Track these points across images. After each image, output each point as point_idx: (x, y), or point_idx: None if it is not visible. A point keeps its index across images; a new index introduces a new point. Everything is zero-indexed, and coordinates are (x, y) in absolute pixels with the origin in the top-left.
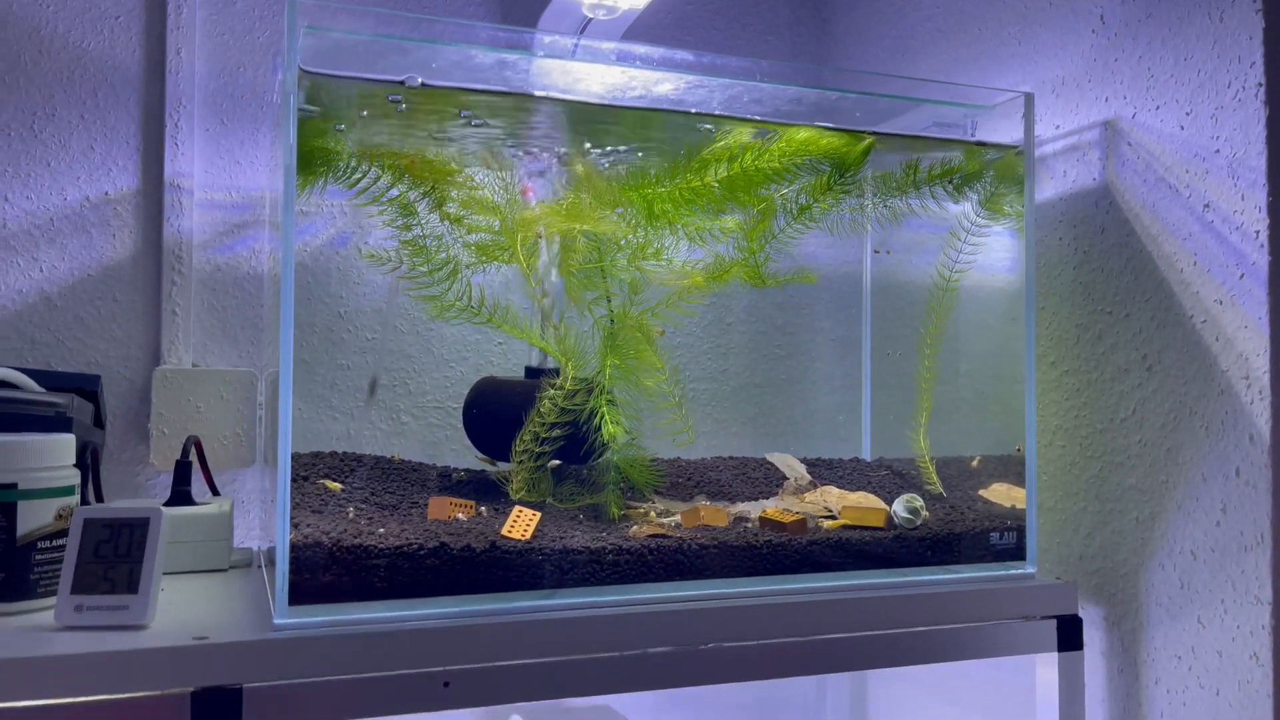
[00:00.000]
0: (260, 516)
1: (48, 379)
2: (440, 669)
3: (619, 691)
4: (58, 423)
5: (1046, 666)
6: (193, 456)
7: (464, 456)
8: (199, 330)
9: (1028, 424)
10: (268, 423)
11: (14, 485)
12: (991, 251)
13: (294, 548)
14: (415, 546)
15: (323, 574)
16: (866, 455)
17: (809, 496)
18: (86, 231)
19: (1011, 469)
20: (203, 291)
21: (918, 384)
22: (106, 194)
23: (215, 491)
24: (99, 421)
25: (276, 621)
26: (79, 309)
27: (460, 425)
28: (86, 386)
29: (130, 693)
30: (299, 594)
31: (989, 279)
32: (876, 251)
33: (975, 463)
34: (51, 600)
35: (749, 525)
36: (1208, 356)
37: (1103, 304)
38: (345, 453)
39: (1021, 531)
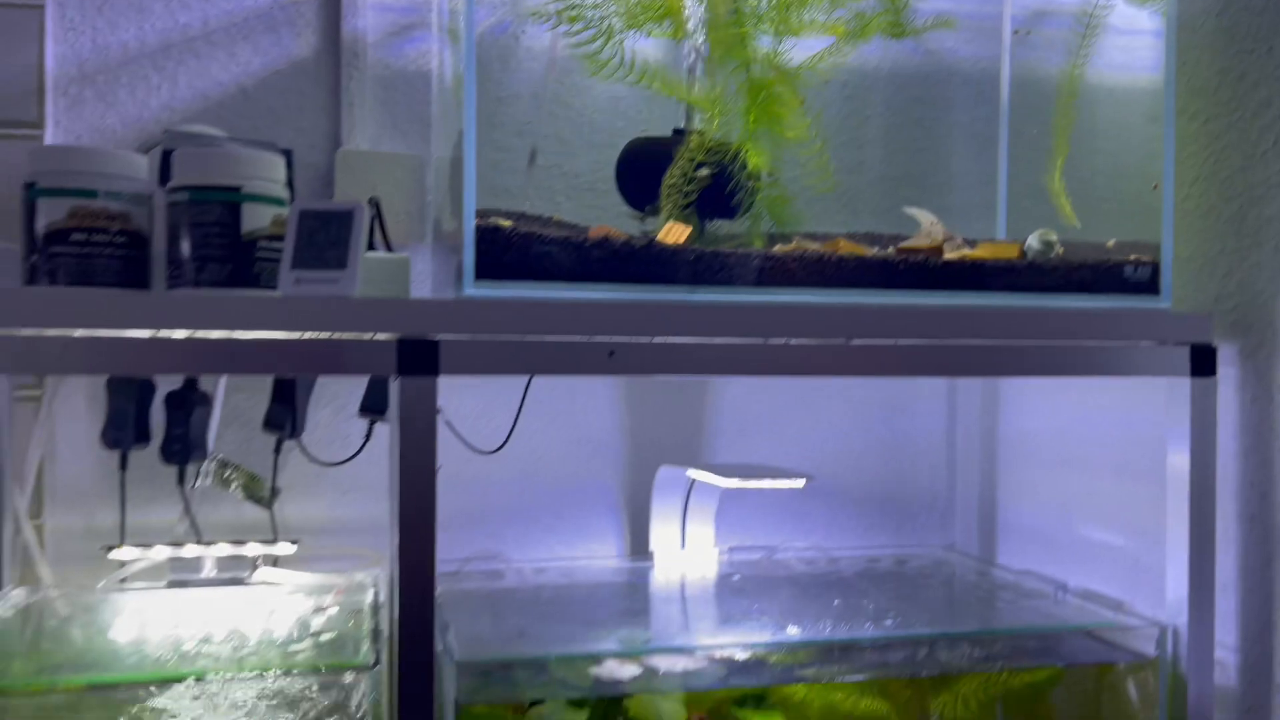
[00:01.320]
0: (431, 291)
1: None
2: (606, 339)
3: (761, 374)
4: None
5: (1177, 407)
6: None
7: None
8: (373, 123)
9: (1165, 155)
10: (446, 189)
11: (239, 188)
12: (1130, 18)
13: (479, 230)
14: (582, 238)
15: (504, 254)
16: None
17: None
18: (276, 30)
19: (1145, 251)
20: (376, 87)
21: (1054, 130)
22: None
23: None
24: (292, 190)
25: (466, 292)
26: (270, 100)
27: (613, 206)
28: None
29: (348, 332)
30: (484, 269)
31: (1127, 42)
32: (1016, 32)
33: (1110, 245)
34: (272, 293)
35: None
36: None
37: (1245, 44)
38: (509, 210)
39: (1156, 267)
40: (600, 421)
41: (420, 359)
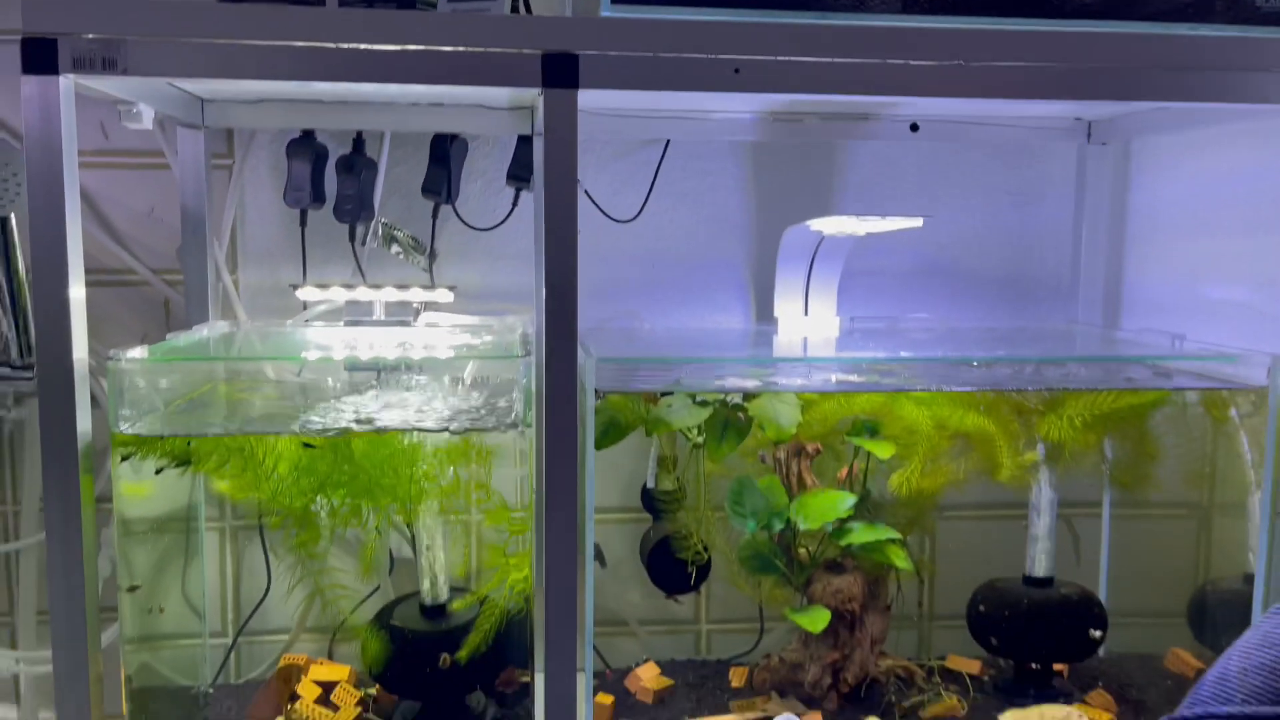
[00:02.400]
0: None
1: None
2: (731, 57)
3: (880, 94)
4: None
5: None
6: None
7: None
8: None
9: None
10: None
11: None
12: None
13: None
14: None
15: None
16: None
17: None
18: None
19: None
20: None
21: None
22: None
23: None
24: None
25: (603, 14)
26: None
27: None
28: None
29: (496, 48)
30: None
31: None
32: None
33: None
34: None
35: None
36: None
37: None
38: None
39: None
40: (728, 201)
41: (562, 71)
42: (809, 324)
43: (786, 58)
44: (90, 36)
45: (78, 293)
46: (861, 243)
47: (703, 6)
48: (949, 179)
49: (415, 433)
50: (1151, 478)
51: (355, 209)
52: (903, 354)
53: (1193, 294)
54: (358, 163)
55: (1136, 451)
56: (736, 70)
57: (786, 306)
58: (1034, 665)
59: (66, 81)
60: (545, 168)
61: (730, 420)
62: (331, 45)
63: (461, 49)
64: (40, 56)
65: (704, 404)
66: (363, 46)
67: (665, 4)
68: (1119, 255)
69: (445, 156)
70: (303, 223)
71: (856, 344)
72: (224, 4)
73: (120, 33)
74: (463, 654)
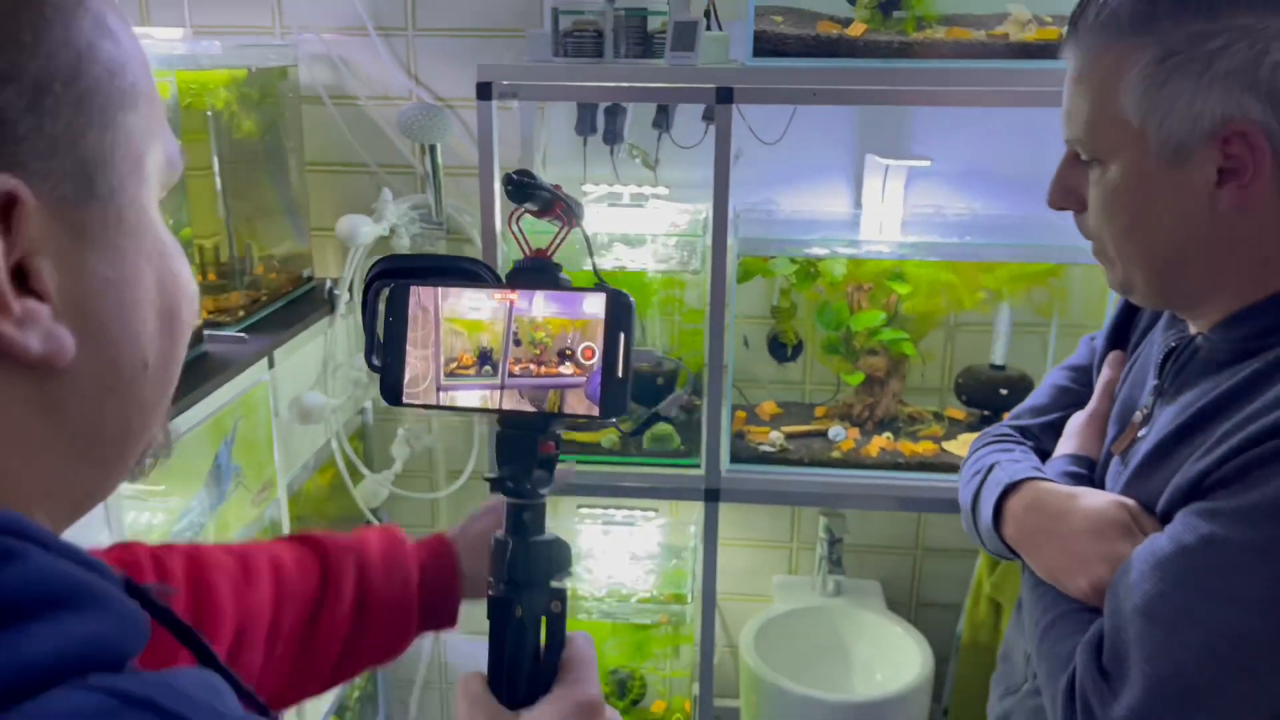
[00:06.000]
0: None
1: None
2: (808, 86)
3: (908, 103)
4: None
5: None
6: None
7: None
8: None
9: None
10: None
11: (645, 9)
12: None
13: (757, 34)
14: (812, 33)
15: (769, 44)
16: None
17: None
18: None
19: None
20: None
21: None
22: None
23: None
24: None
25: (748, 64)
26: None
27: None
28: None
29: (693, 84)
30: (759, 50)
31: None
32: None
33: None
34: (661, 62)
35: None
36: None
37: None
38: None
39: None
40: (842, 129)
41: (725, 96)
42: (884, 208)
43: (844, 86)
44: (505, 82)
45: (497, 185)
46: (926, 152)
47: (794, 57)
48: (990, 114)
49: (646, 271)
50: (1064, 310)
51: (614, 135)
52: (911, 239)
53: None
54: (615, 109)
55: (1054, 294)
56: (814, 93)
57: (870, 196)
58: (988, 413)
59: (493, 104)
60: (715, 156)
61: (808, 271)
62: (610, 84)
63: (675, 85)
64: (484, 90)
65: (794, 261)
66: (624, 84)
67: (783, 56)
68: None
69: (667, 106)
70: (584, 144)
71: (907, 224)
72: (557, 58)
73: (515, 80)
74: (678, 387)
